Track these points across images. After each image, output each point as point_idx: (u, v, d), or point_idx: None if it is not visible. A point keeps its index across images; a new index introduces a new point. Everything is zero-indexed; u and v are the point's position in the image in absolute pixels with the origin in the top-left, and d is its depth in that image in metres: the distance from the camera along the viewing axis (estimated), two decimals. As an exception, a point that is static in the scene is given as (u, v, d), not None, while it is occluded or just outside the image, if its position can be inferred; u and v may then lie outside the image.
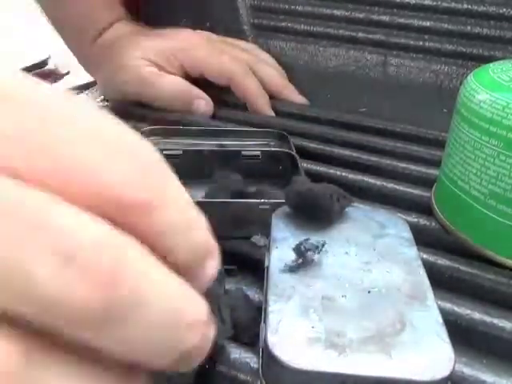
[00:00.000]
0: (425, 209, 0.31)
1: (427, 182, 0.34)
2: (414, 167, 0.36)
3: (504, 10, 0.52)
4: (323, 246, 0.23)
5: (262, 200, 0.28)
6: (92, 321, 0.11)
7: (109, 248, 0.11)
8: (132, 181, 0.12)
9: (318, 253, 0.23)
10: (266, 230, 0.28)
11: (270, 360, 0.18)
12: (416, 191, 0.33)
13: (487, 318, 0.23)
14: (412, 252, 0.24)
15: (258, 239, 0.28)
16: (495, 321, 0.23)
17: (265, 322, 0.20)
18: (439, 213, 0.30)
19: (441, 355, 0.18)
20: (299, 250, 0.22)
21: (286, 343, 0.18)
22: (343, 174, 0.35)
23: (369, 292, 0.21)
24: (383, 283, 0.21)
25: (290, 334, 0.19)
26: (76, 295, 0.10)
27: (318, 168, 0.35)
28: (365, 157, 0.38)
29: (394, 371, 0.17)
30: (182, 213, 0.13)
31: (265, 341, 0.19)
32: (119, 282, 0.11)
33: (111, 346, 0.11)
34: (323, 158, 0.37)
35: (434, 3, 0.55)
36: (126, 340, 0.11)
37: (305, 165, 0.34)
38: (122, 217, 0.11)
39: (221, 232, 0.27)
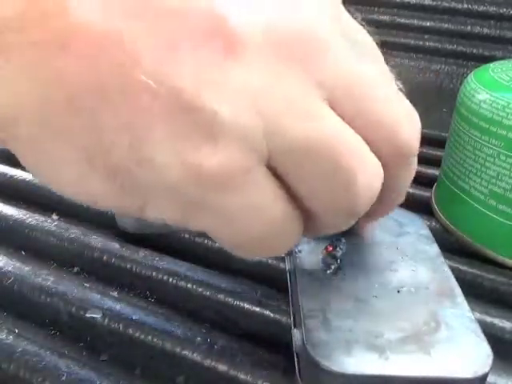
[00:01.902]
0: (425, 209, 0.31)
1: (427, 182, 0.34)
2: (414, 167, 0.36)
3: (504, 9, 0.52)
4: (343, 244, 0.23)
5: None
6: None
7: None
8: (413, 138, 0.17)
9: (343, 253, 0.23)
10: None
11: (310, 365, 0.18)
12: (416, 191, 0.33)
13: (487, 318, 0.23)
14: (433, 249, 0.24)
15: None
16: (495, 321, 0.23)
17: (296, 326, 0.20)
18: (439, 213, 0.30)
19: (479, 351, 0.18)
20: (333, 254, 0.22)
21: (326, 347, 0.18)
22: (343, 173, 0.35)
23: (398, 292, 0.21)
24: (411, 282, 0.21)
25: (329, 337, 0.18)
26: None
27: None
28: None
29: (436, 370, 0.17)
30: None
31: (303, 346, 0.18)
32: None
33: None
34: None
35: (434, 3, 0.55)
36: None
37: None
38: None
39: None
